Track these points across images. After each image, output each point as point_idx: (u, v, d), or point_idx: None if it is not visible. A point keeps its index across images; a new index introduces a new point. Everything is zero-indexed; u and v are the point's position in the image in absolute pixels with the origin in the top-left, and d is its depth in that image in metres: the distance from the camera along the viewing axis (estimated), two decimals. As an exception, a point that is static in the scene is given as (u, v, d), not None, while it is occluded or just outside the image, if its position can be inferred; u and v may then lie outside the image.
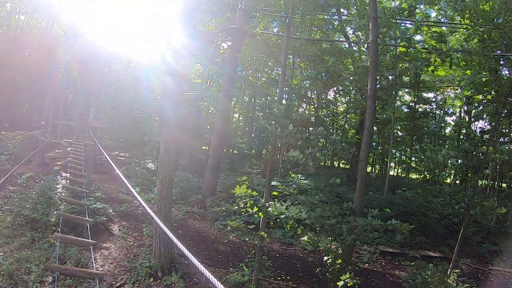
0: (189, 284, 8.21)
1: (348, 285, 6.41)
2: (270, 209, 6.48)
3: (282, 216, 6.39)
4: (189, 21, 8.70)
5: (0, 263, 7.59)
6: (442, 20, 20.08)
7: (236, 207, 7.28)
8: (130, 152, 24.39)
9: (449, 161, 8.08)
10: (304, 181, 6.84)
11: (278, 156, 13.55)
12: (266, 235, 7.75)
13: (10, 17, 29.87)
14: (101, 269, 8.40)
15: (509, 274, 11.59)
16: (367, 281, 9.85)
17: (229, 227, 12.47)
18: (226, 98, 16.17)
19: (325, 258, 7.00)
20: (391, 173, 26.08)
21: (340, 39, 23.23)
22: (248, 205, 7.20)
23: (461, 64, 18.46)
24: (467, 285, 8.30)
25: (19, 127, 22.43)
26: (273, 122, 7.17)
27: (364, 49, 19.99)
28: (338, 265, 6.64)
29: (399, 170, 31.70)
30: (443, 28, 19.62)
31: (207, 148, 22.85)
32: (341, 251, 7.06)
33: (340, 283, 6.38)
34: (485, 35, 12.44)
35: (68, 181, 11.37)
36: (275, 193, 7.30)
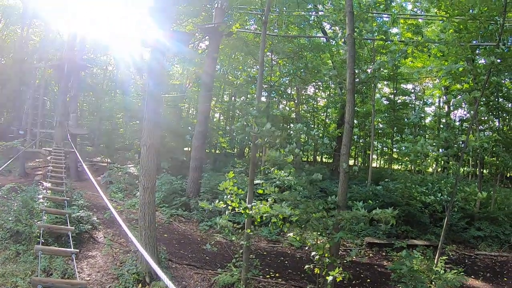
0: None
1: (337, 279, 6.44)
2: (253, 211, 6.47)
3: (266, 215, 6.38)
4: (165, 22, 8.61)
5: (-15, 279, 7.43)
6: (418, 12, 20.36)
7: (223, 205, 7.24)
8: (112, 158, 24.14)
9: (429, 150, 8.19)
10: (288, 177, 6.83)
11: (260, 154, 13.54)
12: (252, 233, 7.74)
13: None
14: (88, 278, 8.28)
15: (495, 258, 11.84)
16: (356, 274, 9.93)
17: (215, 228, 12.47)
18: (206, 98, 16.08)
19: (313, 253, 7.02)
20: (374, 165, 26.31)
21: (318, 35, 23.35)
22: (234, 203, 7.16)
23: (438, 54, 18.71)
24: (455, 270, 8.40)
25: (-3, 137, 21.94)
26: (250, 124, 7.16)
27: (342, 44, 20.12)
28: (326, 259, 6.67)
29: (382, 162, 32.04)
30: (419, 20, 19.88)
31: (189, 150, 22.71)
32: (328, 246, 7.08)
33: (329, 278, 6.42)
34: (461, 26, 12.64)
35: (49, 191, 11.15)
36: (260, 191, 7.28)
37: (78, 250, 8.03)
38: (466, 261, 11.60)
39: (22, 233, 9.24)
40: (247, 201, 7.31)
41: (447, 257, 10.32)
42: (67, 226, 8.08)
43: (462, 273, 8.50)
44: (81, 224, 10.42)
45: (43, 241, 7.64)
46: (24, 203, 10.21)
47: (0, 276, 7.70)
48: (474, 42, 14.09)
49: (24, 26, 26.94)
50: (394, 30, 20.33)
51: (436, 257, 9.20)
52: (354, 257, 10.96)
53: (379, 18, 18.57)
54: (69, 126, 17.22)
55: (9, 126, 25.39)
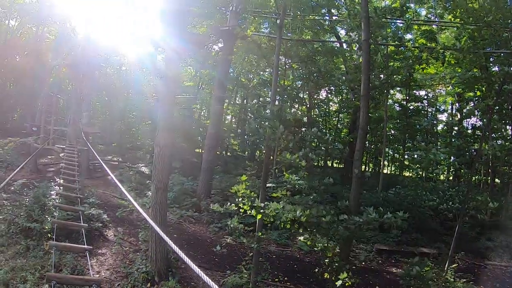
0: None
1: (346, 284, 6.42)
2: (266, 210, 6.46)
3: (278, 213, 6.35)
4: (180, 24, 8.67)
5: (-5, 272, 7.52)
6: (432, 18, 20.24)
7: (235, 208, 7.25)
8: (123, 157, 24.31)
9: (441, 158, 8.14)
10: (299, 181, 6.84)
11: (272, 157, 13.54)
12: (263, 235, 7.75)
13: (0, 23, 29.68)
14: (97, 275, 8.33)
15: (505, 269, 11.68)
16: (365, 280, 9.87)
17: (225, 230, 12.49)
18: (219, 100, 16.14)
19: (324, 260, 6.99)
20: (385, 171, 26.13)
21: (332, 39, 23.32)
22: (246, 206, 7.18)
23: (452, 61, 18.58)
24: (464, 280, 8.32)
25: (11, 133, 22.24)
26: (266, 123, 7.18)
27: (356, 49, 20.07)
28: (335, 264, 6.65)
29: (393, 168, 31.77)
30: (433, 26, 19.75)
31: (200, 151, 22.79)
32: (338, 251, 7.07)
33: (339, 283, 6.40)
34: (475, 33, 12.56)
35: (61, 187, 11.27)
36: (274, 194, 7.31)
37: (92, 247, 8.11)
38: (476, 270, 11.46)
39: (33, 228, 9.35)
40: (259, 201, 7.31)
41: (457, 265, 10.23)
42: (80, 223, 8.15)
43: (471, 283, 8.41)
44: (91, 222, 10.51)
45: (54, 237, 7.73)
46: (36, 199, 10.33)
47: (10, 270, 7.79)
48: (488, 49, 13.97)
49: (39, 24, 27.33)
50: (408, 36, 20.22)
51: (446, 265, 9.12)
52: (364, 264, 10.97)
53: (393, 24, 18.51)
54: (81, 125, 17.38)
55: (23, 123, 25.70)
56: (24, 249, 8.88)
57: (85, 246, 6.41)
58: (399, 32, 17.44)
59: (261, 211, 6.67)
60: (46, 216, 9.69)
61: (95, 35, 19.10)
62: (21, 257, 8.58)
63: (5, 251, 8.73)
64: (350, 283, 6.38)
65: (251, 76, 28.13)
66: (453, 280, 8.32)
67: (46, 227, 9.38)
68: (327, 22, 21.64)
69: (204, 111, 34.57)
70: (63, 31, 25.73)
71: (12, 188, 12.38)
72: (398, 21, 17.40)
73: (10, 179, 7.70)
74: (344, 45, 22.40)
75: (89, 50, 18.33)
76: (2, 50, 27.84)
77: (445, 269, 8.98)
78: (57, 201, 10.54)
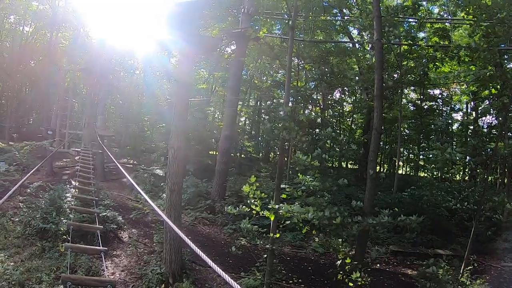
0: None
1: (359, 284, 6.37)
2: (281, 211, 6.44)
3: (291, 214, 6.32)
4: (192, 27, 8.70)
5: (11, 273, 7.64)
6: (445, 16, 19.99)
7: (248, 210, 7.26)
8: (138, 159, 24.53)
9: (457, 158, 8.02)
10: (313, 183, 6.79)
11: (286, 158, 13.47)
12: (277, 236, 7.73)
13: (15, 29, 30.27)
14: (112, 276, 8.42)
15: (523, 271, 11.45)
16: (379, 281, 9.78)
17: (239, 232, 12.49)
18: (232, 102, 16.16)
19: (338, 262, 6.94)
20: (400, 172, 25.82)
21: (344, 40, 23.20)
22: (257, 207, 7.19)
23: (466, 59, 18.31)
24: (479, 281, 8.16)
25: (27, 137, 22.63)
26: (280, 125, 7.17)
27: (369, 49, 19.93)
28: (349, 266, 6.59)
29: (408, 169, 31.40)
30: (446, 24, 19.51)
31: (214, 153, 22.83)
32: (353, 252, 7.02)
33: (351, 284, 6.36)
34: (489, 30, 12.36)
35: (77, 190, 11.42)
36: (284, 195, 7.29)
37: (107, 248, 8.18)
38: (492, 272, 11.25)
39: (49, 230, 9.49)
40: (273, 202, 7.31)
41: (472, 267, 10.06)
42: (95, 225, 8.24)
43: (487, 284, 8.26)
44: (106, 224, 10.61)
45: (69, 239, 7.82)
46: (51, 201, 10.47)
47: (26, 271, 7.92)
48: (502, 46, 13.73)
49: (53, 30, 27.80)
50: (421, 35, 20.01)
51: (462, 267, 8.99)
52: (378, 265, 10.86)
53: (405, 23, 18.34)
54: (96, 128, 17.60)
55: (38, 127, 26.17)
56: (40, 251, 9.03)
57: (100, 248, 6.47)
58: (412, 30, 17.25)
59: (275, 212, 6.67)
60: (62, 218, 9.83)
61: (109, 39, 19.35)
62: (37, 258, 8.72)
63: (21, 252, 8.89)
64: (362, 283, 6.32)
65: (264, 78, 28.13)
66: (469, 282, 8.18)
67: (62, 229, 9.52)
68: (339, 22, 21.55)
69: (218, 113, 34.69)
70: (77, 36, 26.17)
71: (28, 190, 12.60)
72: (411, 19, 17.25)
73: (25, 181, 7.82)
74: (357, 45, 22.26)
75: (103, 54, 18.55)
76: (17, 55, 28.38)
77: (461, 271, 8.85)
78: (72, 203, 10.67)
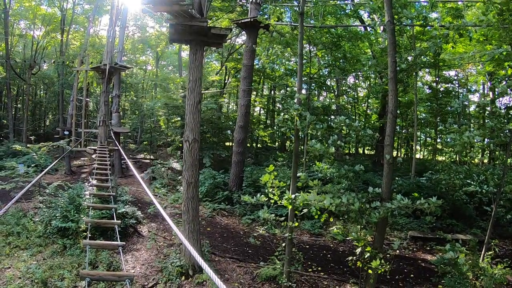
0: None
1: (379, 271, 6.31)
2: (297, 201, 6.40)
3: (311, 202, 6.25)
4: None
5: (33, 271, 7.82)
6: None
7: (265, 199, 7.23)
8: (155, 154, 24.79)
9: (475, 141, 7.82)
10: (330, 170, 6.70)
11: (302, 146, 13.36)
12: (295, 224, 7.70)
13: (25, 34, 30.86)
14: (133, 270, 8.55)
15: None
16: (399, 268, 9.72)
17: (258, 221, 12.54)
18: (246, 92, 16.12)
19: (357, 250, 6.87)
20: (417, 156, 25.47)
21: (355, 24, 22.85)
22: (275, 196, 7.16)
23: (481, 39, 17.86)
24: (500, 266, 7.98)
25: (44, 139, 23.04)
26: (294, 113, 7.10)
27: (380, 32, 19.59)
28: (368, 253, 6.53)
29: (425, 153, 31.00)
30: (459, 3, 19.03)
31: (230, 144, 22.89)
32: (371, 239, 6.94)
33: (370, 271, 6.31)
34: (504, 7, 12.00)
35: (95, 188, 11.58)
36: (299, 184, 7.24)
37: (124, 243, 8.28)
38: (514, 257, 11.05)
39: (69, 228, 9.67)
40: (290, 193, 7.29)
41: (493, 252, 9.87)
42: (114, 220, 8.35)
43: (508, 269, 8.09)
44: (126, 219, 10.76)
45: (90, 235, 7.95)
46: (71, 199, 10.65)
47: (48, 269, 8.10)
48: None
49: (64, 32, 28.20)
50: (434, 15, 19.57)
51: (482, 252, 8.83)
52: (397, 251, 10.76)
53: (417, 4, 17.96)
54: (111, 125, 17.76)
55: (55, 128, 26.59)
56: (61, 248, 9.23)
57: (118, 243, 6.53)
58: (424, 11, 16.87)
59: (292, 201, 6.62)
60: (81, 216, 9.99)
61: (120, 37, 19.45)
62: (59, 256, 8.92)
63: (43, 251, 9.11)
64: (382, 270, 6.25)
65: (276, 67, 28.04)
66: (490, 267, 8.03)
67: (82, 226, 9.69)
68: (349, 6, 21.23)
69: (232, 104, 34.73)
70: (87, 36, 26.44)
71: (48, 190, 12.83)
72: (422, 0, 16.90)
73: (44, 181, 7.93)
74: (369, 29, 21.92)
75: (115, 53, 18.63)
76: (30, 60, 28.85)
77: (481, 256, 8.70)
78: (91, 201, 10.84)
